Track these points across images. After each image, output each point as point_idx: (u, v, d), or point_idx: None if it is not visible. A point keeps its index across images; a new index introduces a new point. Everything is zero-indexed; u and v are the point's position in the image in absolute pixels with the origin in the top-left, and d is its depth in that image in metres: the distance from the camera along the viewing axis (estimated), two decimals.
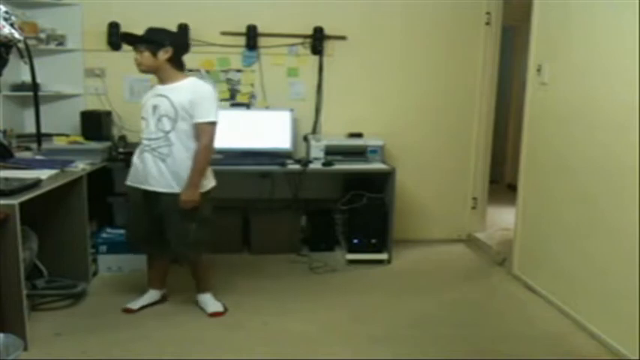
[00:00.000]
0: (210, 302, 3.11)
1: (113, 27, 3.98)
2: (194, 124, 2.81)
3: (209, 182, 2.97)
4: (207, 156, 2.86)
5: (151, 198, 2.90)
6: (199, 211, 2.88)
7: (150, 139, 2.86)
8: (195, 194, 2.83)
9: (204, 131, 2.81)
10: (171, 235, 2.93)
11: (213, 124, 2.84)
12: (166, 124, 2.82)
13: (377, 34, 4.27)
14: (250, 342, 2.78)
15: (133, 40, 2.88)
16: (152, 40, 2.82)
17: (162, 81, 2.89)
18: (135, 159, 2.97)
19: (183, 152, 2.83)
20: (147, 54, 2.82)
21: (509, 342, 2.85)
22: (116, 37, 3.97)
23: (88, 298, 3.22)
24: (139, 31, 3.82)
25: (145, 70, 2.88)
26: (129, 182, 2.99)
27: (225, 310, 3.10)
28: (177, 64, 2.89)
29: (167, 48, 2.82)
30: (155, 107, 2.84)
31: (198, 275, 3.14)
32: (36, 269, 3.15)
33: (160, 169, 2.85)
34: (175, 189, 2.84)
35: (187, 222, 2.88)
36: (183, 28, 4.00)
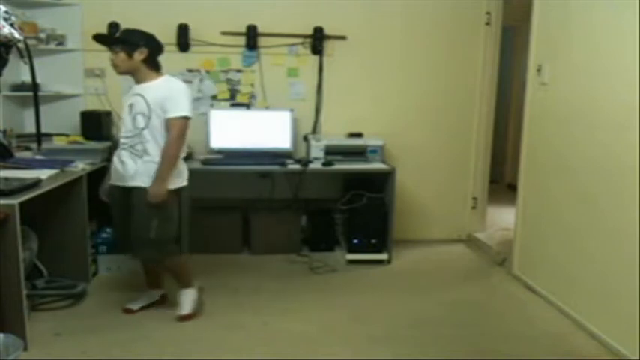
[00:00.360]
0: (183, 302, 3.05)
1: (113, 27, 3.97)
2: (165, 119, 2.82)
3: (180, 181, 2.94)
4: (176, 150, 2.84)
5: (128, 195, 2.89)
6: (165, 209, 2.84)
7: (127, 137, 2.88)
8: (162, 188, 2.80)
9: (173, 125, 2.81)
10: (132, 232, 2.88)
11: (184, 118, 2.83)
12: (140, 122, 2.83)
13: (377, 34, 4.27)
14: (250, 342, 2.79)
15: (108, 41, 2.92)
16: (127, 41, 2.84)
17: (139, 81, 2.90)
18: (114, 158, 2.97)
19: (156, 149, 2.84)
20: (122, 55, 2.83)
21: (509, 342, 2.85)
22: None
23: (88, 298, 3.22)
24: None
25: (121, 71, 2.88)
26: (110, 182, 2.98)
27: (194, 313, 3.03)
28: (152, 64, 2.90)
29: (142, 49, 2.83)
30: (131, 106, 2.87)
31: (172, 275, 3.10)
32: (36, 269, 3.16)
33: (136, 164, 2.85)
34: (146, 184, 2.83)
35: (150, 218, 2.83)
36: (183, 30, 4.00)
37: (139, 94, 2.85)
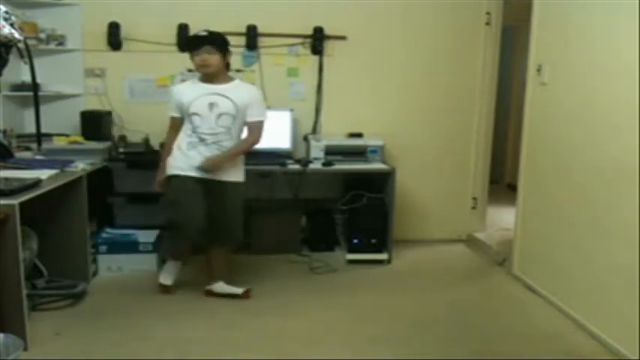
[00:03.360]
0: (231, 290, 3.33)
1: (113, 27, 3.97)
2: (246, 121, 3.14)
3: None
4: (249, 147, 3.21)
5: (214, 187, 3.13)
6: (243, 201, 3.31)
7: (210, 134, 3.08)
8: (218, 164, 3.10)
9: (256, 127, 3.17)
10: (226, 222, 3.20)
11: (263, 122, 3.20)
12: (226, 121, 3.08)
13: (377, 34, 4.27)
14: (250, 342, 2.78)
15: (208, 41, 3.05)
16: (224, 43, 3.10)
17: (215, 81, 3.10)
18: (191, 152, 3.09)
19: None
20: (217, 56, 3.05)
21: (509, 342, 2.85)
22: (116, 38, 3.97)
23: (88, 298, 3.22)
24: (141, 31, 3.84)
25: (212, 70, 3.07)
26: (185, 173, 3.08)
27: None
28: (228, 67, 3.20)
29: (231, 52, 3.16)
30: (212, 105, 3.07)
31: (225, 263, 3.40)
32: (36, 269, 3.15)
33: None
34: (240, 178, 3.23)
35: (241, 209, 3.27)
36: (183, 31, 4.00)
37: (221, 95, 3.08)
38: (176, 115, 3.17)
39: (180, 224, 3.09)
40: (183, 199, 3.08)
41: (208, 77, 3.10)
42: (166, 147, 3.22)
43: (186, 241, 3.26)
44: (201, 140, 3.08)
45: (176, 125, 3.18)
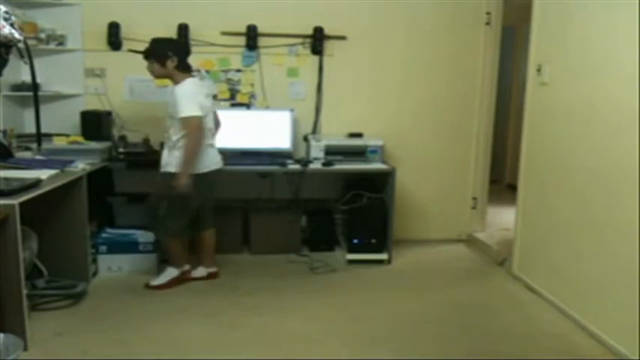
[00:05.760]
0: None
1: (113, 27, 3.98)
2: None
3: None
4: (191, 145, 3.26)
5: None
6: None
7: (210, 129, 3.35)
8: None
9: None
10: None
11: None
12: (169, 120, 3.31)
13: (377, 34, 4.27)
14: (250, 342, 2.78)
15: (144, 56, 3.31)
16: (158, 53, 3.25)
17: (176, 84, 3.28)
18: (212, 148, 3.41)
19: None
20: (157, 65, 3.26)
21: (509, 342, 2.85)
22: (116, 38, 3.98)
23: (88, 298, 3.22)
24: (141, 31, 3.84)
25: (158, 77, 3.37)
26: (214, 167, 3.39)
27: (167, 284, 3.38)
28: (183, 67, 3.29)
29: (173, 58, 3.23)
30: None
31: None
32: (36, 269, 3.15)
33: None
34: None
35: None
36: (183, 30, 4.01)
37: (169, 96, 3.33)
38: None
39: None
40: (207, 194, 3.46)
41: (172, 81, 3.31)
42: None
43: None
44: (211, 136, 3.41)
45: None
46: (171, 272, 3.43)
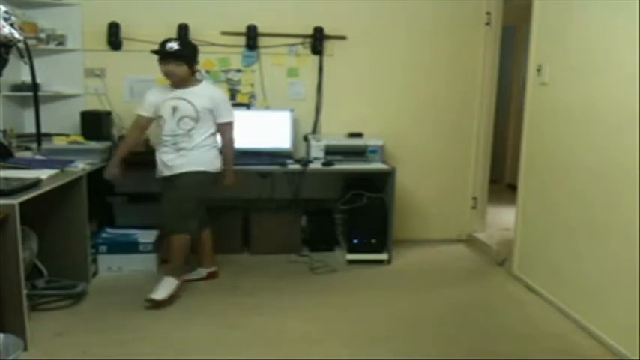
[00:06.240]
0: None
1: (113, 27, 3.98)
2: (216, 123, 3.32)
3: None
4: (233, 150, 3.47)
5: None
6: None
7: (169, 136, 3.25)
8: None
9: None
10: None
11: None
12: (188, 124, 3.23)
13: (377, 34, 4.27)
14: (250, 342, 2.78)
15: (176, 57, 3.16)
16: (191, 57, 3.24)
17: (182, 86, 3.24)
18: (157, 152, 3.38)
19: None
20: (185, 67, 3.19)
21: (509, 342, 2.85)
22: (116, 38, 3.97)
23: (88, 298, 3.22)
24: (141, 31, 3.84)
25: (177, 80, 3.22)
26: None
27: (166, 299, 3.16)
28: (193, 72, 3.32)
29: (196, 61, 3.30)
30: (175, 108, 3.22)
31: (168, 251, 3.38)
32: (36, 269, 3.15)
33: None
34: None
35: None
36: (183, 30, 4.01)
37: (183, 99, 3.22)
38: (144, 114, 3.32)
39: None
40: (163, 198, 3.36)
41: (175, 83, 3.24)
42: (127, 145, 3.40)
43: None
44: (163, 142, 3.28)
45: (141, 125, 3.36)
46: (171, 283, 3.20)
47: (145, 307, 3.08)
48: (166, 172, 3.30)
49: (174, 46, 3.16)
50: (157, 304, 3.10)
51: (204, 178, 3.28)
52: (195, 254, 3.54)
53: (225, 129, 3.36)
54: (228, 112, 3.36)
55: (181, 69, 3.18)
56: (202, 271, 3.55)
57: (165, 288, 3.16)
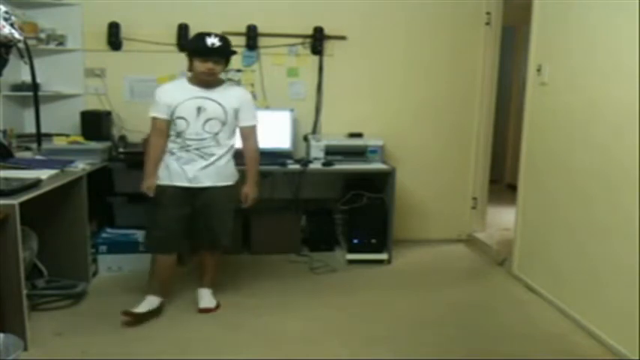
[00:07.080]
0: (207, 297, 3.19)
1: (113, 27, 3.97)
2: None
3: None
4: (259, 156, 3.20)
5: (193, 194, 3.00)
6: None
7: (194, 140, 2.94)
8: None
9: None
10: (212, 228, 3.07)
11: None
12: (215, 126, 2.95)
13: (377, 34, 4.27)
14: (250, 342, 2.78)
15: (219, 53, 2.89)
16: (232, 51, 2.99)
17: (210, 86, 2.95)
18: (167, 159, 3.01)
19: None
20: (222, 65, 2.95)
21: (509, 342, 2.85)
22: (116, 38, 3.97)
23: (88, 298, 3.22)
24: (141, 31, 3.83)
25: (213, 79, 2.94)
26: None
27: (218, 306, 3.14)
28: None
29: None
30: (200, 109, 2.92)
31: (214, 267, 3.24)
32: (36, 269, 3.15)
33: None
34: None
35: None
36: (183, 30, 4.00)
37: (210, 99, 2.93)
38: (162, 117, 2.94)
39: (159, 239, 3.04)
40: (163, 211, 3.00)
41: (201, 81, 2.93)
42: (153, 152, 3.01)
43: (167, 257, 3.07)
44: (183, 146, 2.94)
45: (162, 129, 2.96)
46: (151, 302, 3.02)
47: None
48: (184, 183, 2.95)
49: (215, 42, 2.84)
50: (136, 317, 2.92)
51: (235, 193, 3.10)
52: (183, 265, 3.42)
53: (249, 133, 3.06)
54: (254, 114, 3.08)
55: (220, 67, 2.91)
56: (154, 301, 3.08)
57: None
